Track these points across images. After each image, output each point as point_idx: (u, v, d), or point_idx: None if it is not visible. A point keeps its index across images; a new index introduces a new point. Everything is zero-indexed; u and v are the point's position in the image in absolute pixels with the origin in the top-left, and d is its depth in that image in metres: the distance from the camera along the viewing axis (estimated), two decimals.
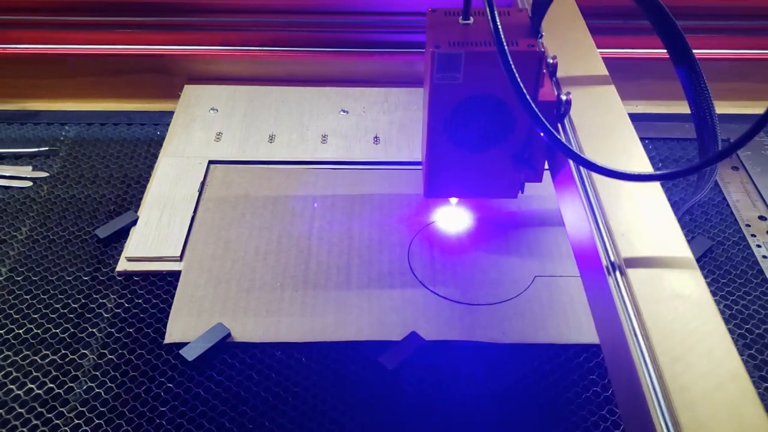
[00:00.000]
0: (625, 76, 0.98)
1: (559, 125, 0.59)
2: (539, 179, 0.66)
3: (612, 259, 0.47)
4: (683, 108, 1.01)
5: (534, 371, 0.65)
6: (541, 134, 0.48)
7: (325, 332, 0.67)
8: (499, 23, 0.48)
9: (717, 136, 0.55)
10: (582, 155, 0.49)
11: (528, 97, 0.46)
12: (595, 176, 0.52)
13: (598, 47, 0.66)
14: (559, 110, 0.58)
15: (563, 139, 0.51)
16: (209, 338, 0.66)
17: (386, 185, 0.84)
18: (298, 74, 1.00)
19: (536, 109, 0.46)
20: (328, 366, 0.65)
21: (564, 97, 0.57)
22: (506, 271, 0.73)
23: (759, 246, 0.77)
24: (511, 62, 0.46)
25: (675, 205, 0.83)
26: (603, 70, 0.64)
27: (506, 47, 0.47)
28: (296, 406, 0.62)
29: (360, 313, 0.69)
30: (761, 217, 0.81)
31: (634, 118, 0.96)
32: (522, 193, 0.68)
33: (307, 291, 0.71)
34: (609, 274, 0.46)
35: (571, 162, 0.55)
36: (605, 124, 0.58)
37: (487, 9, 0.48)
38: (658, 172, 0.49)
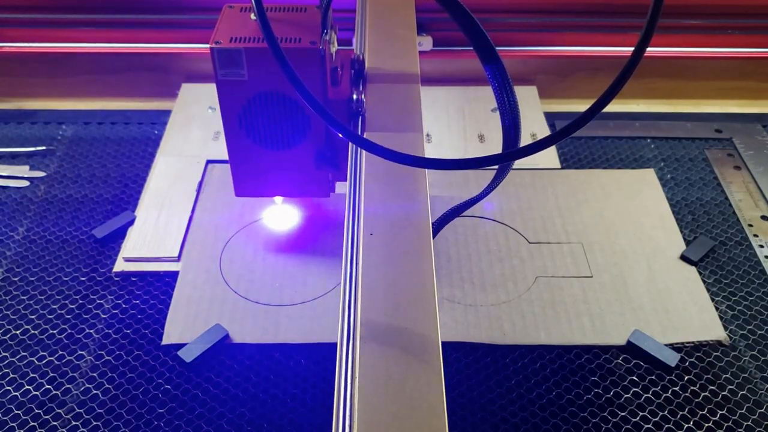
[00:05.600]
0: None
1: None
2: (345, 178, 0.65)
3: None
4: (686, 107, 1.01)
5: (535, 373, 0.64)
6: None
7: (324, 333, 0.67)
8: (267, 17, 0.45)
9: (519, 132, 0.54)
10: (359, 135, 0.47)
11: (302, 83, 0.43)
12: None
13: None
14: (352, 108, 0.57)
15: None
16: (207, 339, 0.65)
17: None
18: None
19: (310, 92, 0.43)
20: (327, 368, 0.64)
21: (356, 96, 0.56)
22: (507, 271, 0.73)
23: (762, 246, 0.77)
24: (286, 57, 0.44)
25: (677, 204, 0.83)
26: (415, 69, 0.61)
27: (279, 43, 0.45)
28: (295, 409, 0.61)
29: None
30: (764, 217, 0.80)
31: (637, 116, 0.97)
32: (333, 192, 0.68)
33: (306, 291, 0.70)
34: None
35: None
36: (396, 124, 0.55)
37: (254, 2, 0.46)
38: (438, 158, 0.45)
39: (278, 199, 0.75)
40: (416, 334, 0.40)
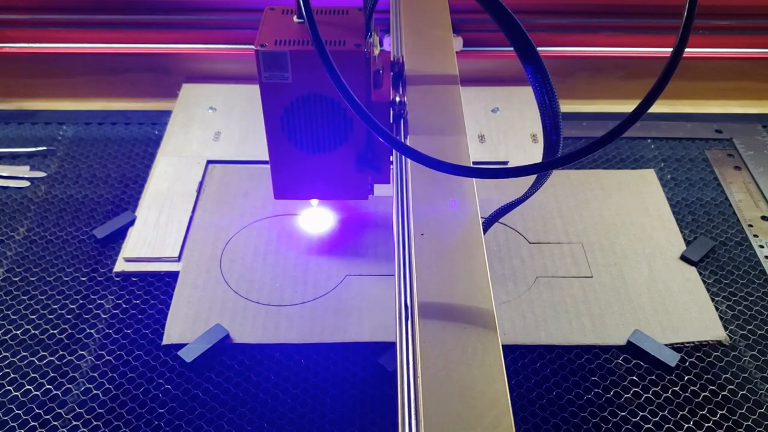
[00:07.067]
0: (628, 74, 0.98)
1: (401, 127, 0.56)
2: (387, 180, 0.65)
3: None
4: (686, 107, 1.01)
5: (535, 372, 0.64)
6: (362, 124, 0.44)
7: (324, 333, 0.67)
8: (315, 20, 0.45)
9: (560, 135, 0.53)
10: (403, 142, 0.46)
11: (350, 91, 0.42)
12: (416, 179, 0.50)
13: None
14: (394, 111, 0.56)
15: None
16: (208, 339, 0.65)
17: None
18: None
19: (358, 102, 0.42)
20: (327, 368, 0.64)
21: (398, 99, 0.56)
22: (507, 271, 0.73)
23: (762, 246, 0.77)
24: (332, 60, 0.43)
25: (678, 204, 0.83)
26: (454, 70, 0.61)
27: (326, 46, 0.45)
28: (295, 408, 0.61)
29: (359, 314, 0.68)
30: (764, 217, 0.80)
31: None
32: (372, 194, 0.68)
33: (306, 292, 0.71)
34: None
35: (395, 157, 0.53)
36: (439, 126, 0.55)
37: (302, 4, 0.46)
38: (492, 167, 0.44)
39: (314, 201, 0.75)
40: (475, 333, 0.39)
